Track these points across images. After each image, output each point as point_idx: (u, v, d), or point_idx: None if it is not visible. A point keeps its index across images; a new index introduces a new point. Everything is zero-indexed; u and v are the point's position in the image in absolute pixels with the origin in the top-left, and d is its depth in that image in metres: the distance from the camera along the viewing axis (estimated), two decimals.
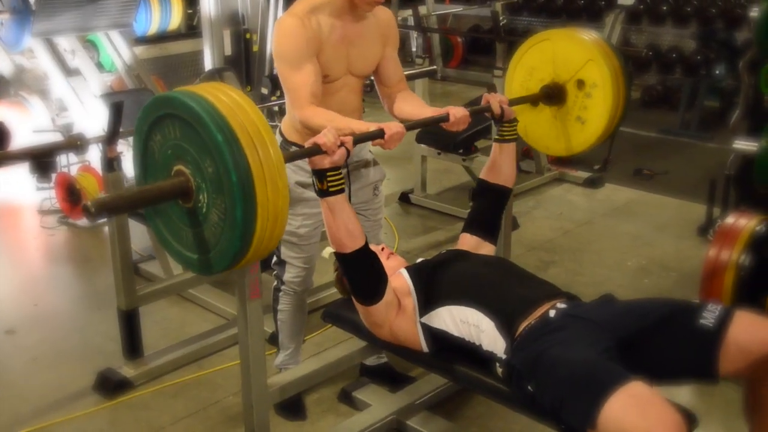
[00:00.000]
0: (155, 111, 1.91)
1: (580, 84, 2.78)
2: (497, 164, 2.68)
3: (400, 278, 2.44)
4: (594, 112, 2.78)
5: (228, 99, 1.81)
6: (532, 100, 2.87)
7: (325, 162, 2.11)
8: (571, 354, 1.99)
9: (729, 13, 7.29)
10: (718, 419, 2.83)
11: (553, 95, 2.83)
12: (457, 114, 2.54)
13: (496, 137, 2.69)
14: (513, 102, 2.69)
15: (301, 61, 2.52)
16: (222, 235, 1.84)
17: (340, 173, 2.16)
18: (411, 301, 2.37)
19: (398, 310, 2.37)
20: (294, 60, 2.52)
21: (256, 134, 1.78)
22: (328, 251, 2.36)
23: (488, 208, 2.71)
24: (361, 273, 2.33)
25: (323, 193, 2.17)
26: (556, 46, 2.81)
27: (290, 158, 2.11)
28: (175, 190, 1.88)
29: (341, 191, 2.19)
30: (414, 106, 2.75)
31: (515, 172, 2.71)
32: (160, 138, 1.91)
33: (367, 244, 2.29)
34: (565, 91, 2.81)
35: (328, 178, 2.14)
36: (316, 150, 2.09)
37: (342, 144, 2.12)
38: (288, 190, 1.86)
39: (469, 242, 2.65)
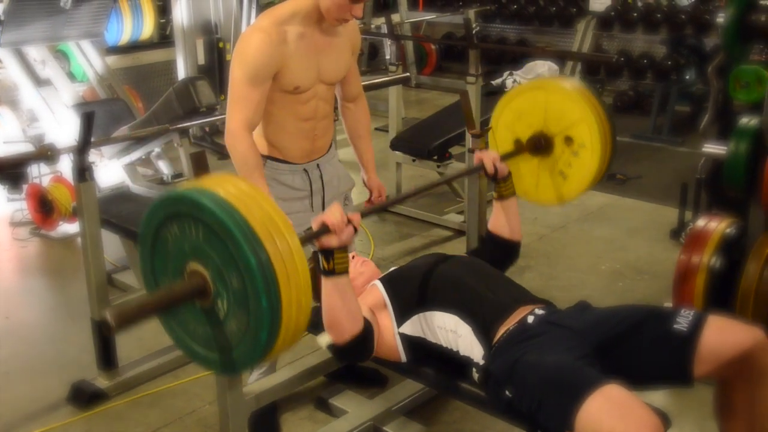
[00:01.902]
0: (176, 206, 1.79)
1: (568, 141, 2.74)
2: (501, 221, 2.63)
3: (374, 291, 2.42)
4: (578, 170, 2.75)
5: (261, 213, 1.70)
6: (519, 152, 2.81)
7: (333, 242, 2.04)
8: (549, 359, 2.01)
9: (698, 20, 7.37)
10: (692, 420, 2.86)
11: (539, 146, 2.78)
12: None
13: (495, 195, 2.63)
14: (503, 158, 2.63)
15: (257, 78, 2.52)
16: (241, 344, 1.76)
17: (346, 253, 2.10)
18: (387, 315, 2.36)
19: (379, 332, 2.34)
20: (251, 74, 2.51)
21: (288, 258, 1.69)
22: (324, 341, 2.24)
23: (496, 256, 2.63)
24: (357, 354, 2.28)
25: (329, 272, 2.08)
26: (550, 98, 2.76)
27: (304, 243, 1.92)
28: (194, 292, 1.77)
29: (347, 270, 2.11)
30: (360, 142, 2.98)
31: (520, 223, 2.65)
32: (176, 231, 1.79)
33: (364, 325, 2.21)
34: (552, 143, 2.77)
35: (336, 258, 2.07)
36: (325, 230, 2.02)
37: (349, 222, 2.05)
38: (310, 308, 1.79)
39: None
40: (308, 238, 2.03)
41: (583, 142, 2.70)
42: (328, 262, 2.07)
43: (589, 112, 2.69)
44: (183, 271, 1.80)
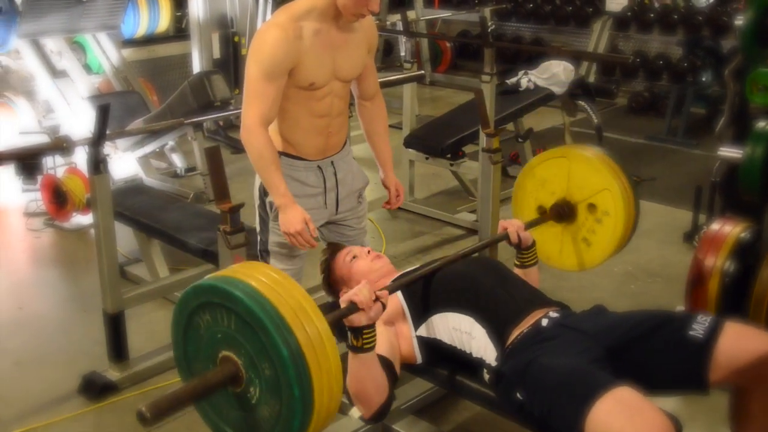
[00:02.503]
0: (208, 295, 1.79)
1: (592, 208, 2.75)
2: None
3: (394, 300, 2.38)
4: (602, 238, 2.75)
5: (292, 301, 1.72)
6: (544, 220, 2.82)
7: (362, 320, 2.02)
8: (561, 362, 2.00)
9: (715, 22, 7.34)
10: (703, 424, 2.84)
11: (563, 214, 2.79)
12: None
13: (516, 263, 2.62)
14: (527, 226, 2.63)
15: (273, 74, 2.52)
16: (273, 430, 1.76)
17: (374, 330, 2.07)
18: (407, 323, 2.36)
19: (398, 343, 2.34)
20: (268, 70, 2.52)
21: (319, 345, 1.69)
22: (356, 414, 2.27)
23: None
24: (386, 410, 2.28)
25: (357, 349, 2.06)
26: (573, 167, 2.77)
27: (333, 325, 1.90)
28: (226, 380, 1.78)
29: (374, 347, 2.09)
30: (377, 140, 2.96)
31: (538, 284, 2.62)
32: (209, 319, 1.80)
33: (390, 394, 2.21)
34: (576, 210, 2.78)
35: (364, 336, 2.05)
36: (353, 308, 2.00)
37: (377, 299, 2.04)
38: (341, 395, 1.79)
39: None
40: (337, 317, 2.01)
41: (607, 209, 2.71)
42: (357, 339, 2.04)
43: (612, 180, 2.70)
44: (216, 357, 1.81)
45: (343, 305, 2.00)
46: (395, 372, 2.26)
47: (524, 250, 2.58)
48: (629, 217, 2.74)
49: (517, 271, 2.61)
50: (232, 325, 1.74)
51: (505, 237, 2.57)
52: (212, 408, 1.89)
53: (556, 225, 2.83)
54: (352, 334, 2.04)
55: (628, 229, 2.76)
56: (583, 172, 2.76)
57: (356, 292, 2.00)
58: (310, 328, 1.70)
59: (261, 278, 1.75)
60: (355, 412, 2.27)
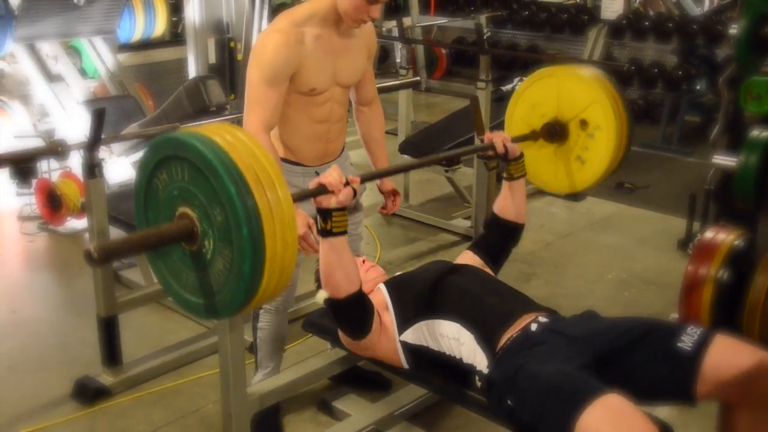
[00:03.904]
0: (163, 150, 1.83)
1: (583, 124, 2.72)
2: (508, 201, 2.64)
3: (378, 294, 2.43)
4: (595, 153, 2.73)
5: (241, 145, 1.74)
6: (534, 137, 2.80)
7: (331, 201, 2.05)
8: (550, 368, 2.00)
9: (710, 30, 7.36)
10: None
11: (554, 133, 2.77)
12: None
13: (504, 176, 2.63)
14: (515, 140, 2.63)
15: (274, 79, 2.53)
16: (226, 284, 1.78)
17: (345, 213, 2.11)
18: (389, 317, 2.37)
19: (381, 331, 2.36)
20: (269, 75, 2.52)
21: (269, 185, 1.71)
22: (322, 296, 2.29)
23: (498, 241, 2.67)
24: (353, 316, 2.30)
25: (326, 233, 2.10)
26: (561, 84, 2.75)
27: (297, 199, 1.99)
28: (181, 234, 1.80)
29: (344, 233, 2.12)
30: (374, 146, 3.00)
31: (525, 206, 2.66)
32: (165, 177, 1.84)
33: (361, 287, 2.25)
34: (567, 129, 2.75)
35: (334, 219, 2.08)
36: (322, 189, 2.04)
37: (348, 183, 2.07)
38: (297, 244, 1.80)
39: (470, 260, 2.62)
40: (305, 195, 2.06)
41: (598, 123, 2.67)
42: (325, 222, 2.09)
43: (602, 92, 2.67)
44: (173, 218, 1.83)
45: (312, 188, 2.04)
46: (368, 297, 2.30)
47: (512, 161, 2.58)
48: (621, 129, 2.69)
49: (504, 185, 2.62)
50: (186, 177, 1.77)
51: (491, 147, 2.57)
52: (173, 277, 1.91)
53: (549, 147, 2.80)
54: (321, 217, 2.08)
55: (621, 142, 2.71)
56: (571, 88, 2.74)
57: (326, 175, 2.04)
58: (254, 163, 1.71)
59: (224, 135, 1.76)
60: (322, 294, 2.28)
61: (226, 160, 1.69)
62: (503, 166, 2.65)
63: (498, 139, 2.57)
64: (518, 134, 2.83)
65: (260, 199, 1.68)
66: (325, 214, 2.08)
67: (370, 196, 3.17)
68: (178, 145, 1.78)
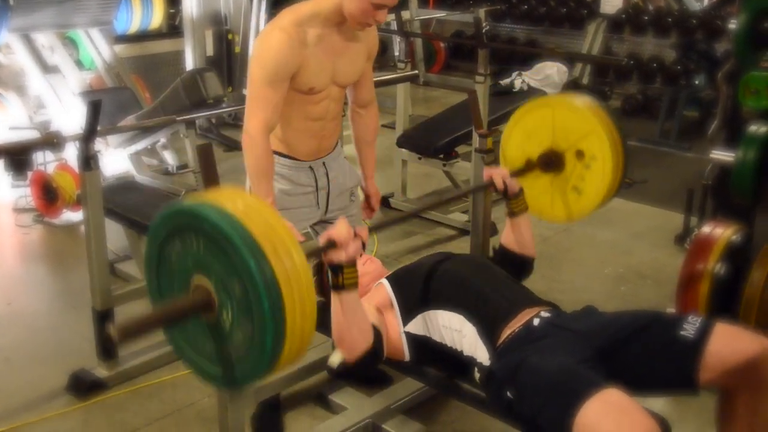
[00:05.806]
0: (176, 220, 1.78)
1: (579, 155, 2.70)
2: (514, 236, 2.61)
3: (381, 289, 2.41)
4: (591, 184, 2.71)
5: (254, 213, 1.69)
6: (530, 168, 2.78)
7: (341, 257, 2.01)
8: (550, 362, 2.00)
9: (709, 25, 7.36)
10: (692, 426, 2.84)
11: (551, 163, 2.75)
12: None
13: (506, 212, 2.61)
14: (513, 174, 2.61)
15: (277, 78, 2.51)
16: (247, 356, 1.74)
17: (355, 268, 2.07)
18: (394, 314, 2.36)
19: (386, 332, 2.33)
20: (271, 74, 2.51)
21: (285, 252, 1.66)
22: (337, 359, 2.23)
23: (510, 271, 2.56)
24: (370, 367, 2.27)
25: (338, 287, 2.06)
26: (556, 114, 2.73)
27: (308, 256, 1.89)
28: (200, 306, 1.75)
29: (356, 285, 2.09)
30: (366, 148, 2.99)
31: (533, 239, 2.63)
32: (179, 246, 1.78)
33: (375, 334, 2.21)
34: (563, 159, 2.73)
35: (345, 274, 2.04)
36: (332, 245, 2.00)
37: (356, 235, 2.03)
38: (315, 315, 1.76)
39: None
40: (314, 252, 2.01)
41: (594, 154, 2.67)
42: (336, 277, 2.04)
43: (597, 123, 2.66)
44: (188, 287, 1.78)
45: (321, 243, 2.01)
46: (382, 340, 2.25)
47: (512, 198, 2.57)
48: (617, 160, 2.67)
49: (507, 221, 2.60)
50: (201, 247, 1.72)
51: (490, 184, 2.56)
52: (189, 345, 1.86)
53: (546, 176, 2.78)
54: (332, 272, 2.05)
55: (618, 173, 2.69)
56: (567, 118, 2.72)
57: (335, 230, 2.01)
58: (280, 246, 1.66)
59: (235, 201, 1.72)
60: (336, 357, 2.24)
61: (243, 232, 1.64)
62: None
63: (497, 176, 2.54)
64: (514, 161, 2.82)
65: (278, 269, 1.63)
66: (335, 269, 2.04)
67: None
68: (192, 215, 1.72)
